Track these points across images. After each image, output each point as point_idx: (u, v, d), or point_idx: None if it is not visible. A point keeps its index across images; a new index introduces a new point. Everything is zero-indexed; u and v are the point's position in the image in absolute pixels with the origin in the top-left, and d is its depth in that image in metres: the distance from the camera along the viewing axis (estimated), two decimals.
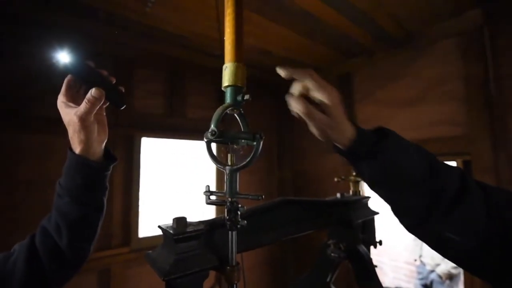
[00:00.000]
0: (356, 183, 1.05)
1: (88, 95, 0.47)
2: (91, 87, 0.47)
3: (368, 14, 1.53)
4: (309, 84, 0.51)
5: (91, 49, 1.74)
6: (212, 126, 0.49)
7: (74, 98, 0.50)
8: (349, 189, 1.06)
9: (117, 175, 1.81)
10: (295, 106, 0.50)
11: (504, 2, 1.45)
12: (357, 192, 1.04)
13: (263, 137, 0.52)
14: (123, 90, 0.55)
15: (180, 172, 2.38)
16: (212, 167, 2.38)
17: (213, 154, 0.53)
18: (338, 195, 0.99)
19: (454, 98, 1.65)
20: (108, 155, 0.56)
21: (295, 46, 1.96)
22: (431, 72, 1.76)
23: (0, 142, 1.47)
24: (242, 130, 0.56)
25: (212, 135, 0.48)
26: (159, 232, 0.55)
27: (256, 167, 2.66)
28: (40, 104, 1.57)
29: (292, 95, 0.52)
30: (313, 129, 0.52)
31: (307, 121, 0.50)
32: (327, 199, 0.97)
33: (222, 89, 0.56)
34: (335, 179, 1.07)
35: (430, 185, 0.45)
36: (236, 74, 0.54)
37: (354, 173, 1.07)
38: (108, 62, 1.83)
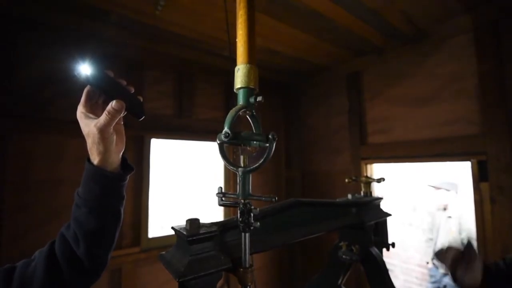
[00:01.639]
0: (367, 184, 1.03)
1: (109, 107, 0.47)
2: (111, 98, 0.48)
3: (379, 11, 1.50)
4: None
5: (102, 51, 1.78)
6: (225, 128, 0.49)
7: (93, 108, 0.51)
8: (360, 190, 1.05)
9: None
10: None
11: None
12: (368, 193, 1.02)
13: (276, 139, 0.51)
14: (142, 100, 0.56)
15: (189, 172, 2.40)
16: (220, 166, 2.39)
17: (226, 155, 0.53)
18: (350, 196, 0.98)
19: (468, 95, 1.61)
20: (125, 164, 0.56)
21: (303, 45, 1.95)
22: (444, 69, 1.72)
23: (13, 144, 1.51)
24: (254, 131, 0.56)
25: (226, 137, 0.48)
26: (168, 232, 0.56)
27: (263, 167, 2.65)
28: (51, 106, 1.61)
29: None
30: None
31: None
32: (338, 200, 0.96)
33: (235, 90, 0.56)
34: (346, 180, 1.05)
35: None
36: (248, 76, 0.54)
37: (365, 174, 1.06)
38: (119, 64, 1.86)
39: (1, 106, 1.48)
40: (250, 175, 0.52)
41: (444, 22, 1.66)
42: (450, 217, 2.60)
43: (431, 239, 2.87)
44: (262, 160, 0.51)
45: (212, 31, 1.68)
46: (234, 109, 0.52)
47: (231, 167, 0.53)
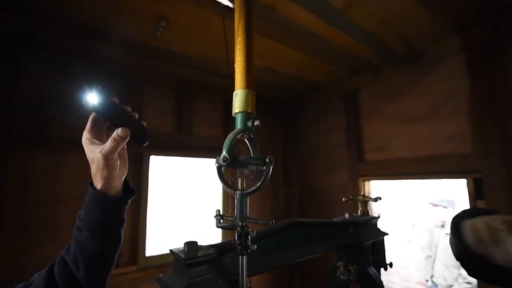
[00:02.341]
0: (365, 203, 1.04)
1: (114, 135, 0.49)
2: (117, 126, 0.49)
3: (374, 33, 1.57)
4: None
5: (103, 69, 1.82)
6: (224, 152, 0.50)
7: (98, 134, 0.52)
8: (357, 208, 1.05)
9: None
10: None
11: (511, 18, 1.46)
12: (365, 212, 1.03)
13: (273, 162, 0.53)
14: (145, 125, 0.58)
15: (187, 189, 2.39)
16: (218, 185, 2.38)
17: (224, 178, 0.54)
18: (347, 215, 0.98)
19: (463, 114, 1.65)
20: (126, 187, 0.57)
21: (300, 64, 2.01)
22: (438, 88, 1.77)
23: (13, 161, 1.51)
24: (252, 154, 0.58)
25: (224, 161, 0.49)
26: (166, 251, 0.56)
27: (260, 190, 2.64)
28: (51, 124, 1.63)
29: None
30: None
31: None
32: (336, 219, 0.96)
33: (233, 114, 0.58)
34: (343, 199, 1.06)
35: None
36: (246, 100, 0.56)
37: (362, 193, 1.06)
38: (120, 81, 1.90)
39: (2, 123, 1.49)
40: (248, 198, 0.53)
41: (438, 43, 1.73)
42: (448, 234, 2.58)
43: (430, 256, 2.83)
44: (259, 183, 0.52)
45: (211, 51, 1.73)
46: (232, 133, 0.53)
47: (229, 190, 0.54)
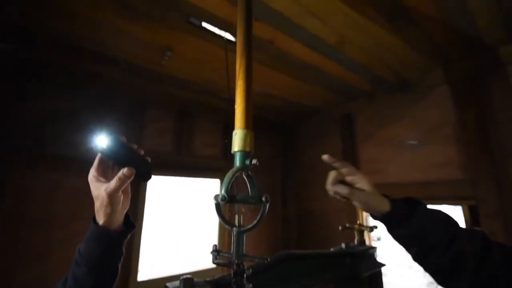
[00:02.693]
0: (361, 232, 1.04)
1: (120, 174, 0.51)
2: (122, 165, 0.52)
3: (367, 65, 1.65)
4: (345, 171, 0.68)
5: (107, 91, 1.88)
6: (222, 191, 0.53)
7: (105, 172, 0.55)
8: (354, 237, 1.06)
9: None
10: (341, 190, 0.66)
11: (492, 55, 1.55)
12: (362, 241, 1.03)
13: (269, 200, 0.55)
14: (149, 160, 0.61)
15: (184, 209, 2.37)
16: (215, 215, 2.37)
17: (223, 215, 0.56)
18: (343, 245, 0.99)
19: (453, 142, 1.69)
20: (127, 220, 0.60)
21: (297, 91, 2.08)
22: (429, 116, 1.83)
23: (10, 180, 1.52)
24: (250, 190, 0.60)
25: (222, 200, 0.52)
26: (158, 275, 0.57)
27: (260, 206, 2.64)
28: (51, 143, 1.65)
29: (332, 183, 0.68)
30: (356, 204, 0.66)
31: (351, 198, 0.65)
32: (332, 249, 0.96)
33: (232, 152, 0.61)
34: (340, 228, 1.07)
35: (453, 250, 0.54)
36: (245, 140, 0.59)
37: (358, 222, 1.07)
38: (123, 102, 1.95)
39: (2, 142, 1.51)
40: (244, 235, 0.55)
41: (425, 75, 1.81)
42: None
43: (432, 283, 2.76)
44: (256, 221, 0.54)
45: (213, 76, 1.81)
46: (231, 171, 0.56)
47: (227, 226, 0.56)
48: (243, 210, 0.56)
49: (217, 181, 2.40)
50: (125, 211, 0.59)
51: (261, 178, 2.71)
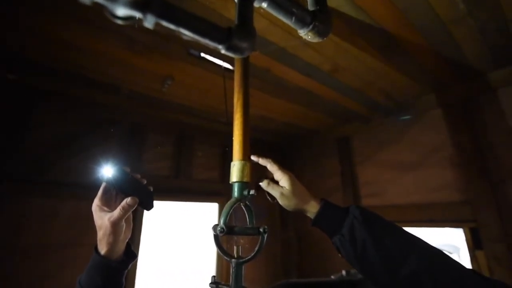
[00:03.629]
0: None
1: (124, 203, 0.53)
2: (126, 195, 0.54)
3: (361, 90, 1.71)
4: (269, 167, 0.66)
5: (108, 116, 1.93)
6: (221, 223, 0.54)
7: (108, 201, 0.57)
8: None
9: None
10: (262, 184, 0.65)
11: (482, 80, 1.62)
12: None
13: (267, 232, 0.56)
14: (152, 189, 0.62)
15: (180, 239, 2.33)
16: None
17: (221, 246, 0.57)
18: (344, 272, 0.97)
19: (453, 164, 1.71)
20: (128, 250, 0.60)
21: (294, 114, 2.13)
22: (426, 138, 1.86)
23: (6, 207, 1.51)
24: (248, 221, 0.61)
25: (221, 232, 0.53)
26: None
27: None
28: (51, 169, 1.66)
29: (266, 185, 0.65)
30: (281, 202, 0.65)
31: (269, 191, 0.65)
32: (333, 277, 0.95)
33: (230, 182, 0.63)
34: (339, 254, 1.05)
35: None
36: (242, 171, 0.61)
37: None
38: (123, 127, 1.99)
39: (1, 169, 1.52)
40: (243, 267, 0.55)
41: (419, 98, 1.87)
42: None
43: None
44: (254, 252, 0.55)
45: (212, 102, 1.86)
46: (229, 203, 0.58)
47: (226, 257, 0.56)
48: (241, 241, 0.57)
49: (215, 205, 2.38)
50: (127, 239, 0.60)
51: (260, 200, 2.68)
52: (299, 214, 2.44)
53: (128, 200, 0.54)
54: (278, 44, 1.26)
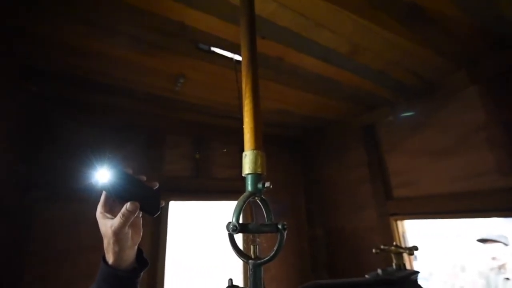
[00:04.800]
0: (399, 255, 0.93)
1: (123, 210, 0.49)
2: (126, 200, 0.50)
3: (384, 71, 1.57)
4: None
5: (127, 121, 1.96)
6: (233, 220, 0.48)
7: (112, 207, 0.53)
8: (392, 260, 0.94)
9: (145, 241, 1.81)
10: None
11: None
12: (401, 265, 0.91)
13: (286, 228, 0.49)
14: (159, 191, 0.57)
15: (205, 235, 2.33)
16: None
17: (237, 246, 0.51)
18: (379, 271, 0.87)
19: (495, 145, 1.51)
20: (140, 256, 0.56)
21: (313, 105, 2.03)
22: (461, 119, 1.67)
23: (37, 214, 1.58)
24: (266, 216, 0.55)
25: (233, 230, 0.47)
26: None
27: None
28: (69, 176, 1.70)
29: None
30: None
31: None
32: (367, 276, 0.85)
33: (243, 175, 0.57)
34: (373, 251, 0.96)
35: None
36: (255, 162, 0.55)
37: (395, 243, 0.96)
38: (142, 131, 2.02)
39: (28, 178, 1.59)
40: (262, 268, 0.49)
41: (451, 75, 1.69)
42: (508, 278, 2.22)
43: None
44: (273, 252, 0.48)
45: (225, 99, 1.82)
46: (242, 197, 0.52)
47: (242, 259, 0.50)
48: (258, 240, 0.51)
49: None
50: (136, 245, 0.56)
51: (284, 197, 2.62)
52: (326, 209, 2.30)
53: (127, 205, 0.49)
54: (290, 28, 1.17)
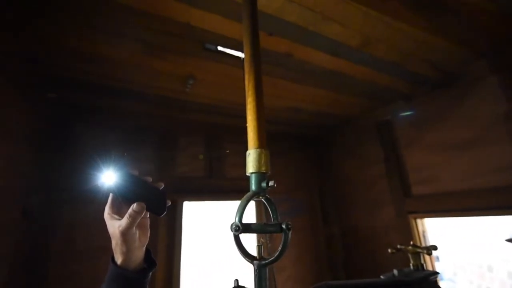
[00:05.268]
0: (417, 255, 0.88)
1: (130, 211, 0.50)
2: (132, 201, 0.50)
3: (399, 63, 1.51)
4: None
5: (140, 124, 2.01)
6: (236, 220, 0.47)
7: (119, 208, 0.54)
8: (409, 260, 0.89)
9: (161, 240, 1.85)
10: None
11: None
12: (418, 266, 0.87)
13: (291, 228, 0.48)
14: (164, 193, 0.57)
15: (219, 235, 2.34)
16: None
17: (242, 246, 0.50)
18: (395, 271, 0.83)
19: None
20: (148, 257, 0.57)
21: (325, 101, 1.98)
22: (484, 111, 1.57)
23: (61, 215, 1.65)
24: (272, 215, 0.53)
25: (236, 230, 0.46)
26: None
27: (298, 223, 2.49)
28: (88, 179, 1.77)
29: None
30: None
31: None
32: (382, 276, 0.82)
33: (247, 174, 0.56)
34: (389, 250, 0.92)
35: None
36: (259, 160, 0.54)
37: (412, 242, 0.91)
38: (155, 133, 2.06)
39: (53, 181, 1.67)
40: (267, 269, 0.48)
41: (473, 64, 1.59)
42: None
43: None
44: (278, 252, 0.47)
45: (236, 98, 1.82)
46: (245, 197, 0.51)
47: (247, 259, 0.49)
48: (262, 240, 0.50)
49: (251, 203, 2.34)
50: (144, 246, 0.56)
51: (298, 195, 2.58)
52: (342, 208, 2.25)
53: (134, 206, 0.50)
54: (297, 23, 1.15)
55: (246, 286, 0.50)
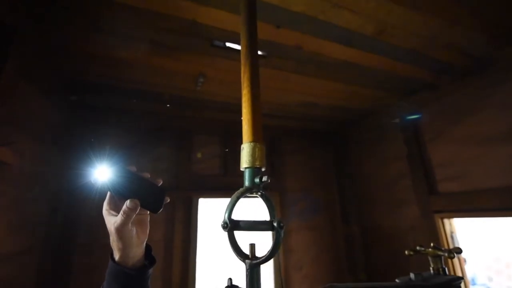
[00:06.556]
0: (437, 258, 0.80)
1: (124, 207, 0.49)
2: (127, 198, 0.50)
3: (419, 50, 1.39)
4: None
5: (157, 125, 2.06)
6: (225, 217, 0.45)
7: (117, 205, 0.53)
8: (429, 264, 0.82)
9: (177, 236, 1.90)
10: None
11: None
12: (439, 270, 0.79)
13: (283, 226, 0.45)
14: (163, 190, 0.56)
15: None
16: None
17: (236, 244, 0.48)
18: (412, 275, 0.77)
19: None
20: (149, 254, 0.57)
21: (341, 95, 1.90)
22: None
23: (85, 210, 1.75)
24: (269, 213, 0.51)
25: (224, 227, 0.44)
26: None
27: (316, 222, 2.43)
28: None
29: None
30: None
31: None
32: (398, 281, 0.76)
33: (241, 169, 0.54)
34: (406, 252, 0.85)
35: None
36: (253, 155, 0.51)
37: (432, 244, 0.84)
38: (171, 133, 2.11)
39: (72, 180, 1.76)
40: (259, 269, 0.45)
41: (503, 50, 1.42)
42: None
43: None
44: (269, 251, 0.45)
45: None
46: (236, 193, 0.49)
47: (239, 258, 0.47)
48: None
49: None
50: (143, 244, 0.56)
51: (316, 193, 2.51)
52: (362, 206, 2.16)
53: (127, 203, 0.49)
54: (306, 13, 1.10)
55: (239, 286, 0.48)
